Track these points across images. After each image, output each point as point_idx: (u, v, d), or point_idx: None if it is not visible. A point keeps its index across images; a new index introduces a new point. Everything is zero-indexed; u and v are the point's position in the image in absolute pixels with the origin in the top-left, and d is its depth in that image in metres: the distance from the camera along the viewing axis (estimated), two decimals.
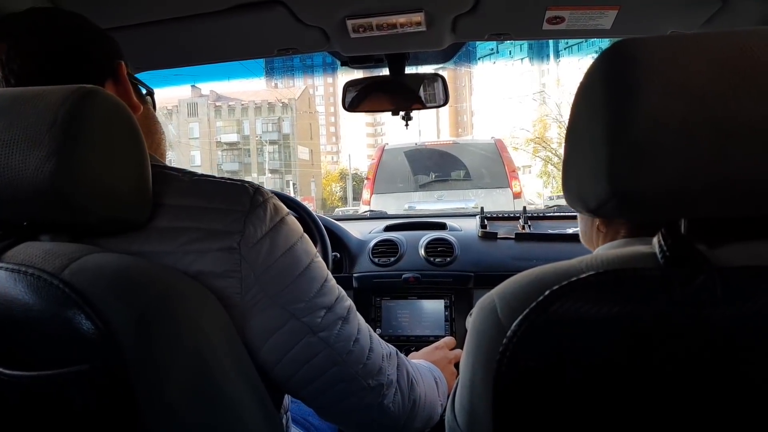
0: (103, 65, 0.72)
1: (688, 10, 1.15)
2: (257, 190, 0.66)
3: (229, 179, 0.67)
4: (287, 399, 0.83)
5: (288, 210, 0.70)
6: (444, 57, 1.56)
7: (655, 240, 0.50)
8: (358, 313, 0.74)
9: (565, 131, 0.57)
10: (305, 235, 0.71)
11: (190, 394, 0.55)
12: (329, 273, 0.72)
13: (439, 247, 1.76)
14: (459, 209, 4.74)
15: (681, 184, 0.44)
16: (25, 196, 0.52)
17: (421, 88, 1.53)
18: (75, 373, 0.51)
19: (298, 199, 1.78)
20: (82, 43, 0.70)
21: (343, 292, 0.73)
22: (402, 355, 0.82)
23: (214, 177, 0.67)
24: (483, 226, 1.83)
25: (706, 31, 1.09)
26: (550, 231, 1.79)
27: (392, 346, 0.81)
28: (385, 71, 1.50)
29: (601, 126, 0.47)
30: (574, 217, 0.99)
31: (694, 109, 0.43)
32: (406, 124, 1.63)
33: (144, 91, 0.81)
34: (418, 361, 1.01)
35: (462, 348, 0.59)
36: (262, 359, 0.65)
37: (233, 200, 0.64)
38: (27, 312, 0.51)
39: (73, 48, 0.69)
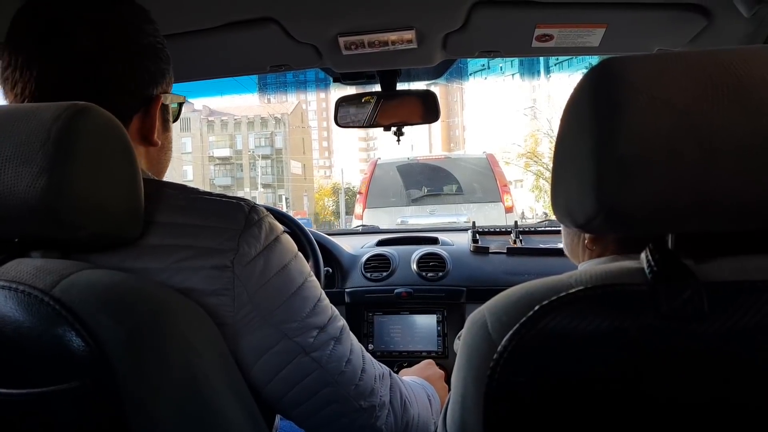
0: (136, 99, 0.69)
1: (674, 28, 1.17)
2: (253, 208, 0.65)
3: (225, 196, 0.66)
4: (277, 419, 0.83)
5: (283, 228, 0.70)
6: (435, 73, 1.58)
7: (642, 255, 0.50)
8: (351, 333, 0.74)
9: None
10: (300, 254, 0.70)
11: (181, 412, 0.55)
12: (323, 292, 0.71)
13: (431, 262, 1.76)
14: (451, 223, 4.75)
15: (667, 199, 0.45)
16: (16, 212, 0.52)
17: (413, 104, 1.54)
18: (65, 391, 0.50)
19: (291, 213, 1.78)
20: (122, 72, 0.67)
21: (336, 312, 0.72)
22: (395, 376, 0.81)
23: (211, 194, 0.66)
24: (475, 240, 1.84)
25: (691, 49, 1.12)
26: (541, 245, 1.80)
27: (385, 367, 0.80)
28: (377, 87, 1.52)
29: (588, 142, 0.48)
30: None
31: (678, 126, 0.44)
32: (398, 140, 1.63)
33: (173, 116, 0.78)
34: (411, 378, 1.01)
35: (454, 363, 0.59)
36: (254, 378, 0.65)
37: (228, 218, 0.63)
38: (17, 329, 0.50)
39: (108, 78, 0.66)
